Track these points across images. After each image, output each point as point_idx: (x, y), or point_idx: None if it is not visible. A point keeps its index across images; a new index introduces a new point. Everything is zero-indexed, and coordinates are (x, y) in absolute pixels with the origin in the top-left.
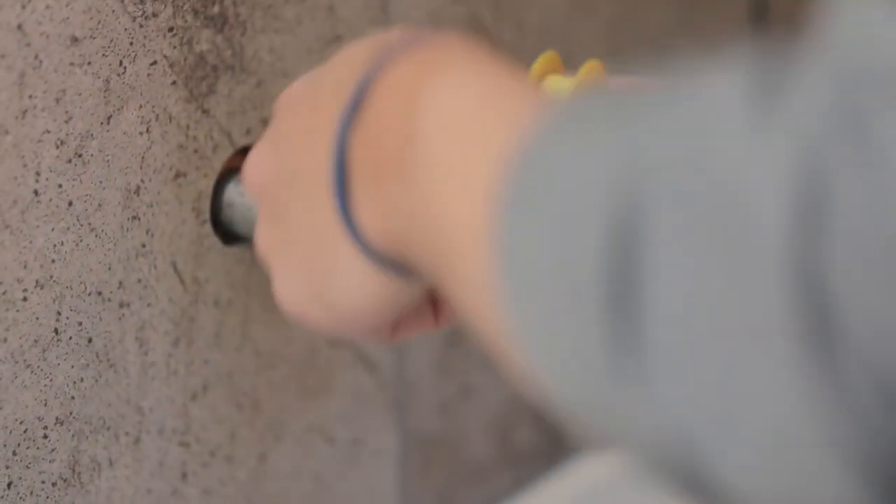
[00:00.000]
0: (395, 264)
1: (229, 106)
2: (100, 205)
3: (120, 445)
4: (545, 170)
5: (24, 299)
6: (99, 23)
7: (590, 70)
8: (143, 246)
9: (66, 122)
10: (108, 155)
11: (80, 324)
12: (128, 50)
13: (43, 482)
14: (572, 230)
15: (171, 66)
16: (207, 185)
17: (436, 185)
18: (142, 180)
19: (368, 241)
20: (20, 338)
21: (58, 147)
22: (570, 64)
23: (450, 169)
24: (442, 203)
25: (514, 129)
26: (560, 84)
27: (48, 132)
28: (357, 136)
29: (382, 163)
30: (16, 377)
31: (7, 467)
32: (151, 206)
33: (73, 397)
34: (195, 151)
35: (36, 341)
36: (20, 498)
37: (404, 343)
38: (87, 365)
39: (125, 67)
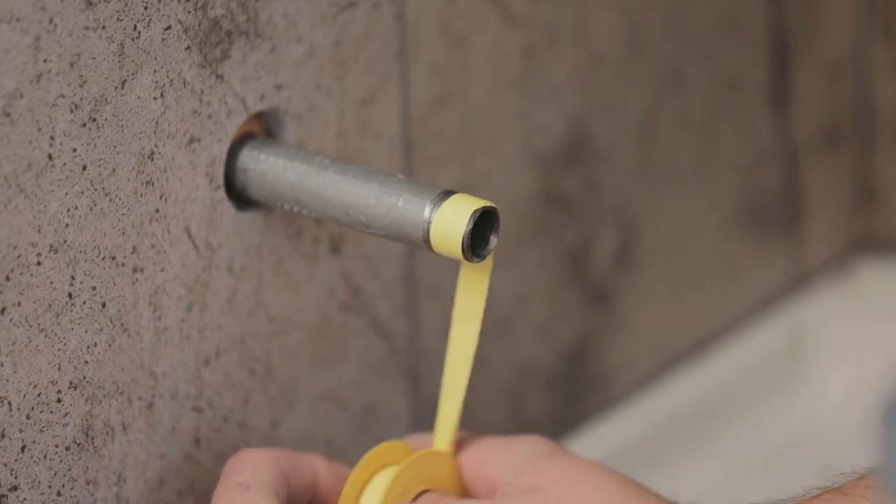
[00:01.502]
0: None
1: (244, 71)
2: (114, 169)
3: (133, 410)
4: None
5: (38, 263)
6: None
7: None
8: (157, 211)
9: (81, 86)
10: (122, 119)
11: (94, 288)
12: (142, 14)
13: (56, 446)
14: None
15: (185, 30)
16: (221, 150)
17: None
18: (156, 145)
19: None
20: (34, 302)
21: (72, 111)
22: (582, 34)
23: None
24: None
25: None
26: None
27: (62, 96)
28: None
29: None
30: (30, 341)
31: (21, 431)
32: (165, 171)
33: (86, 362)
34: (209, 117)
35: (50, 305)
36: (34, 461)
37: (417, 310)
38: (101, 329)
39: (139, 32)
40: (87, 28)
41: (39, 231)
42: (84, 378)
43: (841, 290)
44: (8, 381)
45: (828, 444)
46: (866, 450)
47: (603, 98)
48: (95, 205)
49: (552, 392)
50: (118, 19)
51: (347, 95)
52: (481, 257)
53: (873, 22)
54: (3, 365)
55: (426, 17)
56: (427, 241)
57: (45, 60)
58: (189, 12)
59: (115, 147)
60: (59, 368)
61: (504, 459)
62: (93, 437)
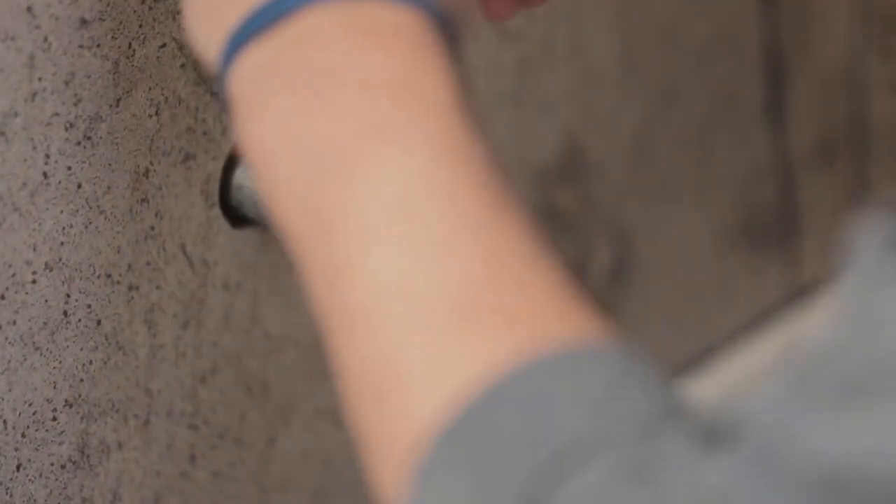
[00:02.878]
0: None
1: None
2: (109, 187)
3: (129, 428)
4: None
5: (34, 282)
6: (108, 5)
7: None
8: (152, 228)
9: (76, 104)
10: (117, 137)
11: (90, 306)
12: (137, 32)
13: (52, 464)
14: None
15: (180, 48)
16: (216, 167)
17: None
18: (151, 163)
19: None
20: (29, 320)
21: (67, 129)
22: (577, 48)
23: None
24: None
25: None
26: None
27: (57, 114)
28: None
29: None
30: (25, 359)
31: (16, 449)
32: (160, 188)
33: (82, 380)
34: (204, 134)
35: (45, 323)
36: (29, 480)
37: None
38: (96, 347)
39: (134, 50)
40: (81, 47)
41: (35, 249)
42: (79, 396)
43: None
44: (3, 399)
45: None
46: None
47: (598, 113)
48: (91, 223)
49: None
50: (113, 38)
51: None
52: None
53: (868, 37)
54: None
55: None
56: None
57: (39, 79)
58: (183, 30)
59: (110, 165)
60: (55, 387)
61: None
62: (88, 455)
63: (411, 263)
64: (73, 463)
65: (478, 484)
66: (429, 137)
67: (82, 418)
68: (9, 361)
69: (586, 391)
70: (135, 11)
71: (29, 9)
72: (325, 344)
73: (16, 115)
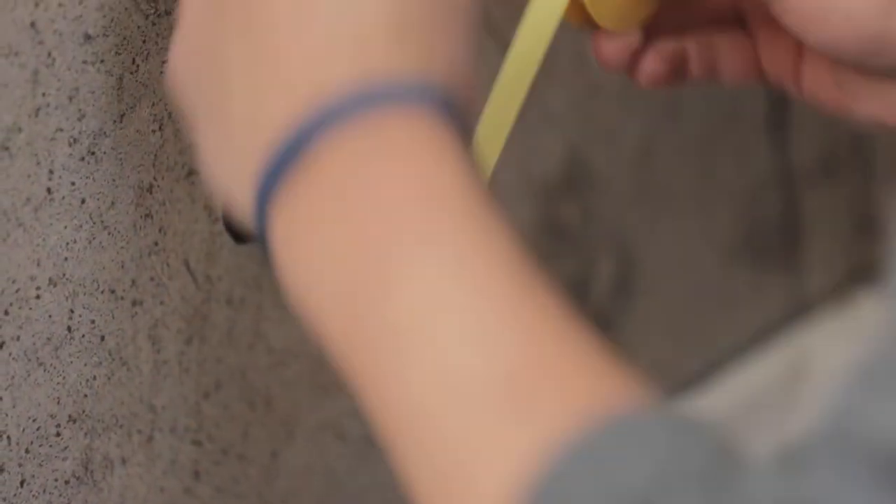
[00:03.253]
0: None
1: None
2: (113, 203)
3: (132, 444)
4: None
5: (38, 297)
6: (112, 20)
7: None
8: (156, 244)
9: (80, 119)
10: (120, 153)
11: (93, 322)
12: (141, 48)
13: (56, 480)
14: None
15: None
16: None
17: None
18: (154, 178)
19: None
20: (33, 336)
21: (71, 145)
22: (580, 61)
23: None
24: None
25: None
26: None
27: (61, 130)
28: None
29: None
30: (29, 375)
31: (20, 465)
32: (164, 203)
33: (85, 395)
34: None
35: (49, 339)
36: (33, 496)
37: None
38: (100, 363)
39: (138, 65)
40: (85, 62)
41: (38, 265)
42: (83, 412)
43: (841, 319)
44: (7, 415)
45: None
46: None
47: (600, 127)
48: (94, 238)
49: None
50: (117, 53)
51: None
52: None
53: None
54: (2, 399)
55: None
56: None
57: (43, 94)
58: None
59: (113, 180)
60: (59, 402)
61: None
62: (92, 471)
63: (453, 355)
64: (77, 479)
65: None
66: (455, 233)
67: (86, 434)
68: (13, 377)
69: (653, 448)
70: (139, 27)
71: (33, 24)
72: (328, 357)
73: (19, 130)
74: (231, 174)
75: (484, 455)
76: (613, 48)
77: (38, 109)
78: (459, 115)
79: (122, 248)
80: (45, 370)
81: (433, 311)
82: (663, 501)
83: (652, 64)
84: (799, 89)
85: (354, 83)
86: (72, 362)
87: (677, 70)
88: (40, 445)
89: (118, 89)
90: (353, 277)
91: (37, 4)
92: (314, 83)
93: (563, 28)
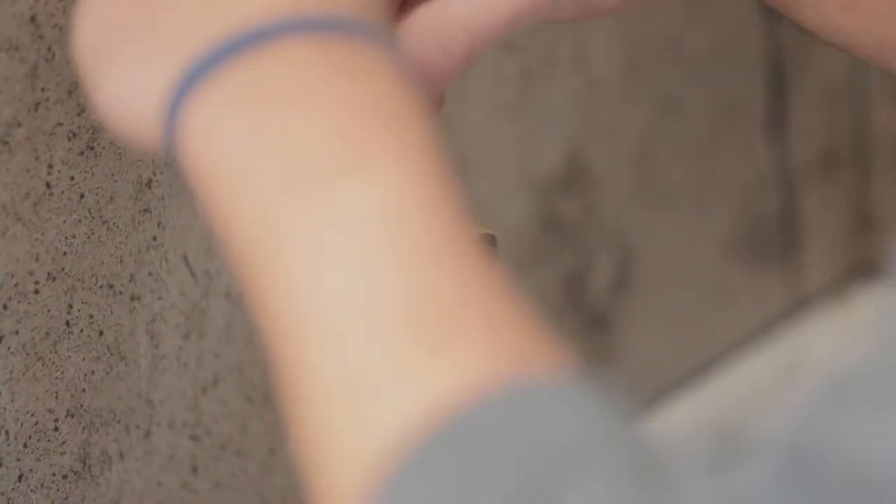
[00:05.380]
0: None
1: None
2: (111, 197)
3: (130, 438)
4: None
5: (36, 292)
6: None
7: None
8: (155, 239)
9: (79, 114)
10: (120, 147)
11: (92, 316)
12: None
13: (53, 475)
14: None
15: None
16: None
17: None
18: (153, 173)
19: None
20: (32, 330)
21: (70, 139)
22: (579, 58)
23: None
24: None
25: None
26: None
27: (60, 125)
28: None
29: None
30: (27, 369)
31: (18, 459)
32: (163, 198)
33: (84, 390)
34: None
35: (47, 334)
36: (31, 490)
37: None
38: (98, 357)
39: None
40: None
41: (37, 259)
42: (81, 406)
43: (839, 315)
44: (5, 409)
45: None
46: None
47: (601, 123)
48: (93, 233)
49: None
50: None
51: None
52: None
53: None
54: (0, 394)
55: None
56: None
57: (42, 89)
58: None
59: (112, 175)
60: (57, 397)
61: None
62: (90, 466)
63: (376, 276)
64: (75, 473)
65: (462, 492)
66: (397, 159)
67: (84, 428)
68: (11, 372)
69: (576, 408)
70: None
71: (33, 18)
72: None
73: (19, 125)
74: (139, 88)
75: (390, 386)
76: None
77: (38, 104)
78: (422, 76)
79: (120, 242)
80: (43, 364)
81: (360, 230)
82: (573, 467)
83: None
84: None
85: (281, 12)
86: (70, 357)
87: None
88: (38, 440)
89: None
90: (275, 184)
91: None
92: (241, 11)
93: (563, 26)
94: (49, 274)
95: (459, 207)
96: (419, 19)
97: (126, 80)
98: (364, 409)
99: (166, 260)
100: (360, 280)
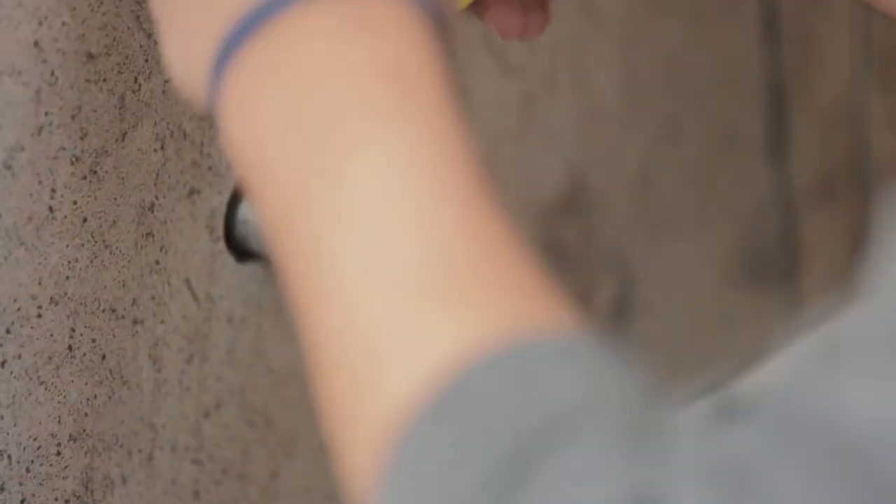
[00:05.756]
0: None
1: None
2: (114, 221)
3: (133, 463)
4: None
5: (39, 316)
6: (114, 40)
7: None
8: (157, 263)
9: (82, 138)
10: (122, 172)
11: (94, 340)
12: (143, 67)
13: (56, 499)
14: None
15: None
16: (221, 202)
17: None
18: (156, 197)
19: None
20: (34, 354)
21: (73, 164)
22: (580, 83)
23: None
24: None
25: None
26: None
27: (63, 149)
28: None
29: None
30: (30, 393)
31: (21, 484)
32: (165, 222)
33: (86, 414)
34: (209, 168)
35: (50, 358)
36: None
37: None
38: (101, 382)
39: (140, 84)
40: (88, 81)
41: (40, 283)
42: (84, 430)
43: None
44: (8, 434)
45: None
46: None
47: (601, 148)
48: (96, 257)
49: None
50: (119, 72)
51: None
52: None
53: (869, 73)
54: (3, 418)
55: None
56: None
57: (46, 113)
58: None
59: (115, 199)
60: (59, 421)
61: None
62: (92, 490)
63: (393, 241)
64: (78, 498)
65: (463, 449)
66: (417, 121)
67: (86, 453)
68: (14, 396)
69: (577, 369)
70: (141, 46)
71: (36, 43)
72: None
73: (22, 148)
74: (194, 37)
75: (399, 349)
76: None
77: (41, 128)
78: (440, 26)
79: (123, 266)
80: (46, 389)
81: (374, 196)
82: (571, 425)
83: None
84: None
85: None
86: (73, 381)
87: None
88: (41, 464)
89: (120, 108)
90: (300, 147)
91: (40, 23)
92: None
93: (563, 51)
94: (52, 298)
95: (476, 169)
96: None
97: (182, 40)
98: (381, 371)
99: (169, 284)
100: (378, 246)
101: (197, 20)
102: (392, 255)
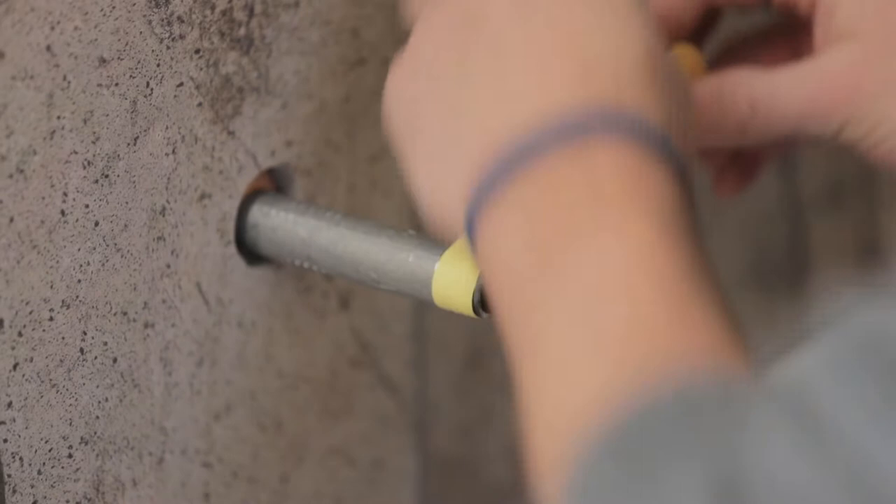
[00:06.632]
0: None
1: (255, 127)
2: (126, 225)
3: (143, 465)
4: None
5: (51, 319)
6: (126, 44)
7: (681, 56)
8: (168, 266)
9: (94, 142)
10: (134, 176)
11: (106, 344)
12: (155, 71)
13: (67, 501)
14: None
15: (197, 87)
16: (232, 206)
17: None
18: (167, 201)
19: None
20: (46, 357)
21: (85, 167)
22: None
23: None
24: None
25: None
26: None
27: (75, 153)
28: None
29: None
30: (42, 396)
31: (32, 486)
32: (176, 226)
33: (97, 417)
34: (220, 172)
35: (62, 361)
36: None
37: (425, 365)
38: (112, 385)
39: (152, 89)
40: (100, 85)
41: (52, 287)
42: (95, 433)
43: None
44: (20, 436)
45: None
46: None
47: None
48: (107, 260)
49: None
50: (131, 76)
51: (357, 151)
52: (490, 312)
53: None
54: (15, 420)
55: None
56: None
57: (58, 117)
58: (201, 69)
59: (127, 203)
60: (71, 423)
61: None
62: (103, 493)
63: (605, 307)
64: (89, 500)
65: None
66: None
67: (97, 455)
68: (25, 398)
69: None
70: (153, 51)
71: (48, 48)
72: (337, 382)
73: (34, 152)
74: (444, 184)
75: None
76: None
77: (53, 132)
78: (678, 161)
79: (134, 270)
80: (57, 391)
81: (600, 279)
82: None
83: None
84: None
85: (592, 106)
86: (84, 384)
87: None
88: (52, 467)
89: (132, 112)
90: (540, 253)
91: (52, 28)
92: (541, 104)
93: None
94: (63, 301)
95: (690, 271)
96: (725, 82)
97: (435, 179)
98: (573, 395)
99: (180, 287)
100: (610, 303)
101: (450, 161)
102: (601, 313)
